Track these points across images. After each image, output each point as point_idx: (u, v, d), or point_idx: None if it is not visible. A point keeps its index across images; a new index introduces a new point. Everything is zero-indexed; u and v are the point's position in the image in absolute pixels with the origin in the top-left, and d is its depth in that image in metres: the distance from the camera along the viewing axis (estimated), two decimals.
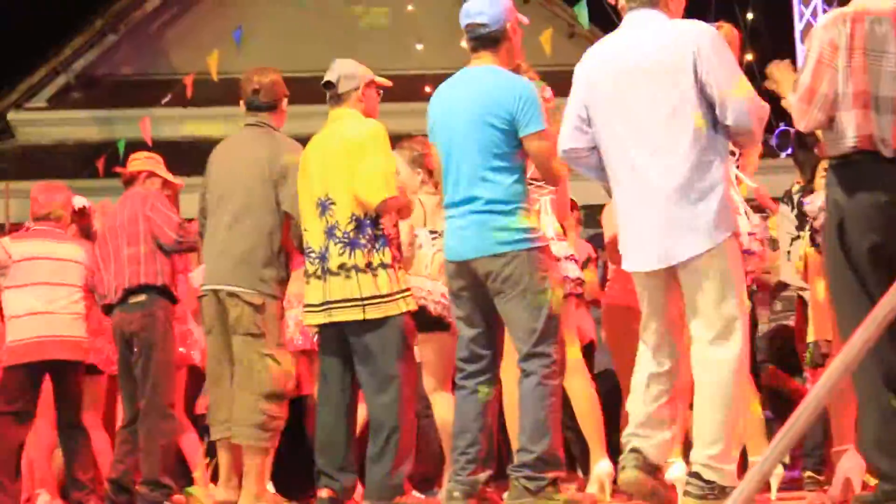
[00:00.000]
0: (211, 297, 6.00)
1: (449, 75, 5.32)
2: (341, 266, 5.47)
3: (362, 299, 5.43)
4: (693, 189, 4.42)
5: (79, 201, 7.66)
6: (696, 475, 4.40)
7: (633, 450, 4.52)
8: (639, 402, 4.59)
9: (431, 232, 5.99)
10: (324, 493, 5.54)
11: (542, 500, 4.80)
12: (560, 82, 4.97)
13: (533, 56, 7.44)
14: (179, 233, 6.79)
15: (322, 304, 5.53)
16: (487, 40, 5.14)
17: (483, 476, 5.04)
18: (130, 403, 6.84)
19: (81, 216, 7.64)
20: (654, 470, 4.52)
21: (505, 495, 5.01)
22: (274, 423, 5.86)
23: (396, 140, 6.06)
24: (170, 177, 7.22)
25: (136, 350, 6.75)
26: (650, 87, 4.48)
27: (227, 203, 6.03)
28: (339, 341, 5.57)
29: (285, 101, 6.22)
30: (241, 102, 6.23)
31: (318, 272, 5.54)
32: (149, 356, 6.72)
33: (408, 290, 5.53)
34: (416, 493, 5.59)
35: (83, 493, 7.10)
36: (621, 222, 4.66)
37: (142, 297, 6.77)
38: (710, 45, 4.44)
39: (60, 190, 7.59)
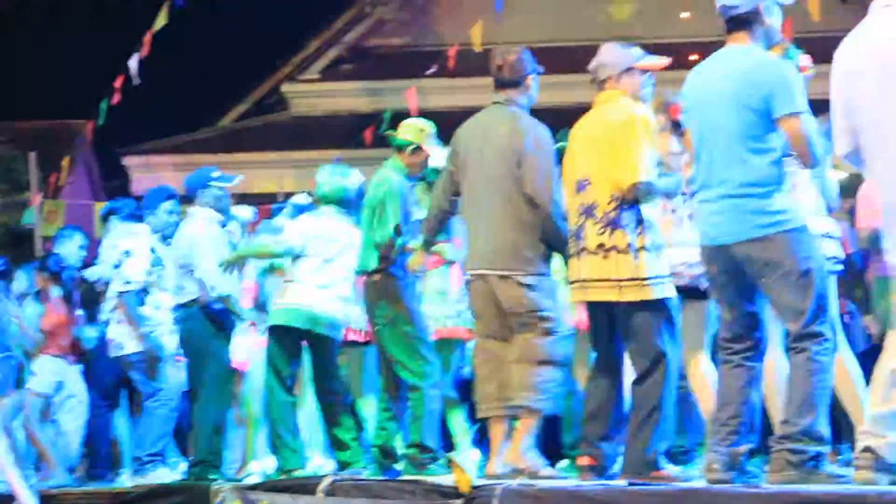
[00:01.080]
0: (479, 280, 6.11)
1: (713, 43, 5.28)
2: (600, 246, 5.58)
3: (619, 280, 5.54)
4: None
5: None
6: None
7: (866, 449, 4.49)
8: (877, 398, 4.54)
9: (682, 193, 5.94)
10: (584, 460, 5.67)
11: (804, 475, 4.72)
12: (830, 51, 4.81)
13: (800, 23, 7.25)
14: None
15: (576, 282, 5.69)
16: (739, 22, 5.06)
17: (744, 448, 5.00)
18: (381, 373, 7.08)
19: None
20: (889, 469, 4.46)
21: (766, 468, 4.96)
22: (548, 387, 5.94)
23: None
24: (436, 151, 7.20)
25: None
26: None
27: (481, 186, 6.11)
28: (603, 318, 5.72)
29: (532, 77, 6.21)
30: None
31: (572, 251, 5.69)
32: (396, 327, 6.91)
33: (668, 276, 5.59)
34: (673, 467, 5.61)
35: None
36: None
37: (378, 276, 6.93)
38: None
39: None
